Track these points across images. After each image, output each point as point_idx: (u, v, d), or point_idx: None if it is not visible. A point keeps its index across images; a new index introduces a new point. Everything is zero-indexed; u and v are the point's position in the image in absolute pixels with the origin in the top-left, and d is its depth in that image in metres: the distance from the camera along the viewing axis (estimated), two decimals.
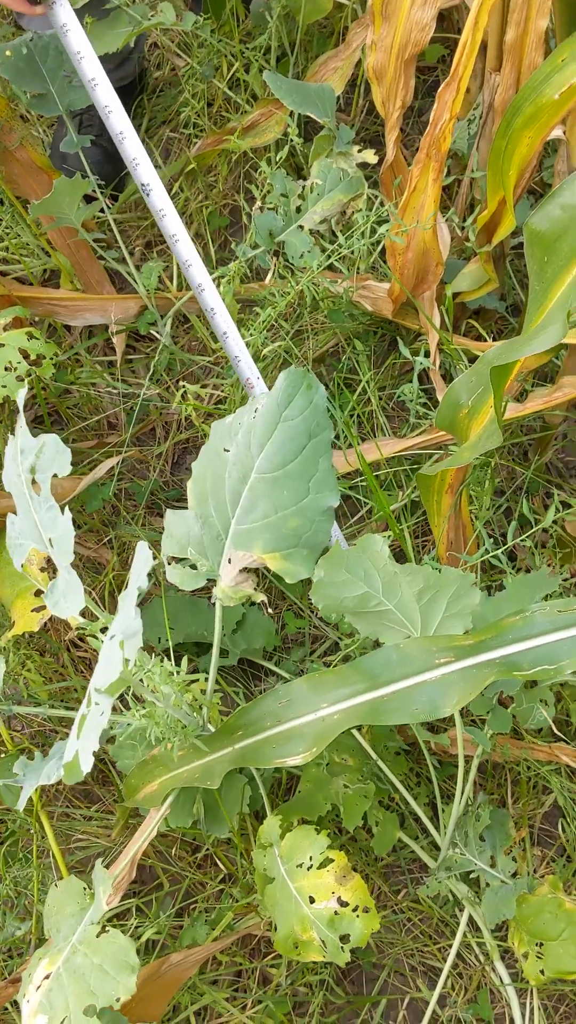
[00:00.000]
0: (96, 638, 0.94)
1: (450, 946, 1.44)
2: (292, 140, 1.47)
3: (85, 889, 1.03)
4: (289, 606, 1.67)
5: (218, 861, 1.41)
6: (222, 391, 1.71)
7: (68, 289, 1.80)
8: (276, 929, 1.12)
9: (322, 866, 1.11)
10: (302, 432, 0.91)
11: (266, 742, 1.10)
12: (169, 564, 1.02)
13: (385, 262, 1.79)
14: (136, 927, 1.40)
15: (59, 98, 1.53)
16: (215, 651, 1.12)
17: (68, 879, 1.04)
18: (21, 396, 0.92)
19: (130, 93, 2.07)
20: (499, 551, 1.18)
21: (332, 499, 0.93)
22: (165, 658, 1.04)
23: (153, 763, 1.22)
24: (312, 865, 1.11)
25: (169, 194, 1.96)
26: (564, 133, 1.30)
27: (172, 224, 1.30)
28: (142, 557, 0.79)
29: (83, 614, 0.97)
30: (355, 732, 1.47)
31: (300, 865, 1.12)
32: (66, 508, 0.88)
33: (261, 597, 1.00)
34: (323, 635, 1.64)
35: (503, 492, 1.70)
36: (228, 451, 0.95)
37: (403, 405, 1.79)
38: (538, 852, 1.53)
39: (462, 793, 1.34)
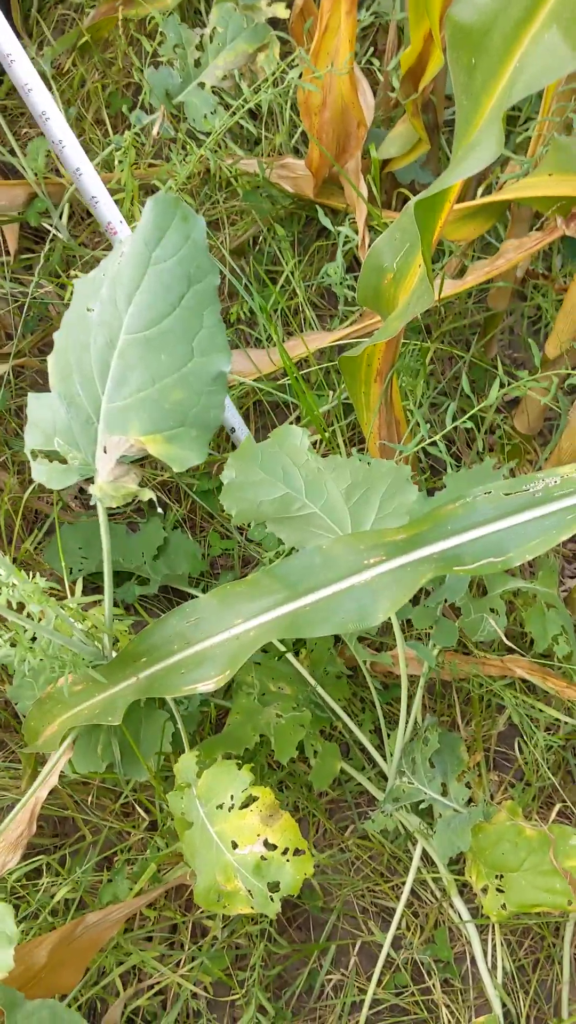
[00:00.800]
0: None
1: (403, 884, 1.31)
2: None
3: None
4: (215, 526, 1.50)
5: (139, 808, 1.26)
6: None
7: None
8: (196, 880, 0.97)
9: (245, 805, 0.96)
10: (179, 277, 0.73)
11: (174, 668, 0.94)
12: (35, 459, 0.84)
13: (304, 135, 1.60)
14: (50, 885, 1.25)
15: None
16: (107, 567, 0.95)
17: None
18: None
19: None
20: (436, 438, 1.01)
21: (222, 362, 0.76)
22: (40, 577, 0.87)
23: (50, 701, 1.06)
24: (234, 805, 0.96)
25: (60, 73, 1.75)
26: None
27: (40, 100, 1.10)
28: None
29: None
30: (292, 658, 1.32)
31: (220, 806, 0.97)
32: None
33: (150, 495, 0.83)
34: (254, 557, 1.48)
35: (444, 393, 1.54)
36: (91, 311, 0.77)
37: (333, 297, 1.61)
38: (495, 777, 1.40)
39: (408, 716, 1.19)
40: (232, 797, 0.97)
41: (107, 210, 1.11)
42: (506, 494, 0.85)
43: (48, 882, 1.23)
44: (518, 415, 1.44)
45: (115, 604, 1.46)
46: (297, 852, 0.95)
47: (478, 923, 1.26)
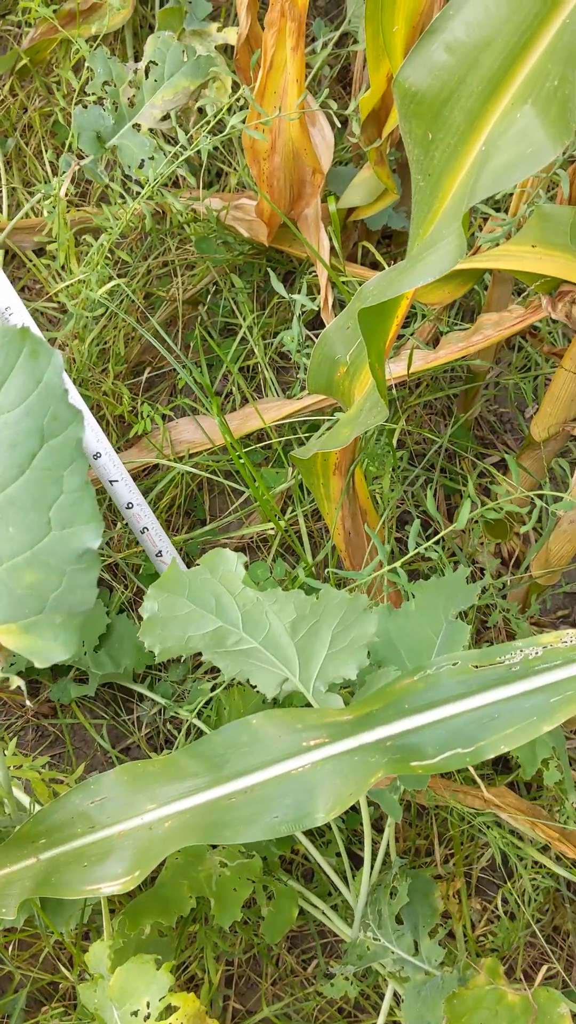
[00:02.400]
0: None
1: None
2: (114, 2, 1.09)
3: None
4: None
5: (64, 966, 1.10)
6: (64, 352, 1.35)
7: None
8: None
9: (163, 1017, 0.80)
10: (28, 431, 0.56)
11: (76, 856, 0.78)
12: None
13: None
14: None
15: None
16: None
17: None
18: None
19: None
20: (398, 563, 0.85)
21: (90, 536, 0.59)
22: None
23: None
24: (150, 1015, 0.80)
25: None
26: None
27: None
28: None
29: None
30: None
31: (135, 1013, 0.81)
32: None
33: (18, 683, 0.66)
34: None
35: (422, 455, 1.37)
36: None
37: (284, 362, 1.44)
38: (478, 905, 1.24)
39: (371, 866, 1.03)
40: (148, 1004, 0.80)
41: None
42: (476, 666, 0.68)
43: None
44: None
45: (50, 701, 1.30)
46: None
47: None
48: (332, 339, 0.85)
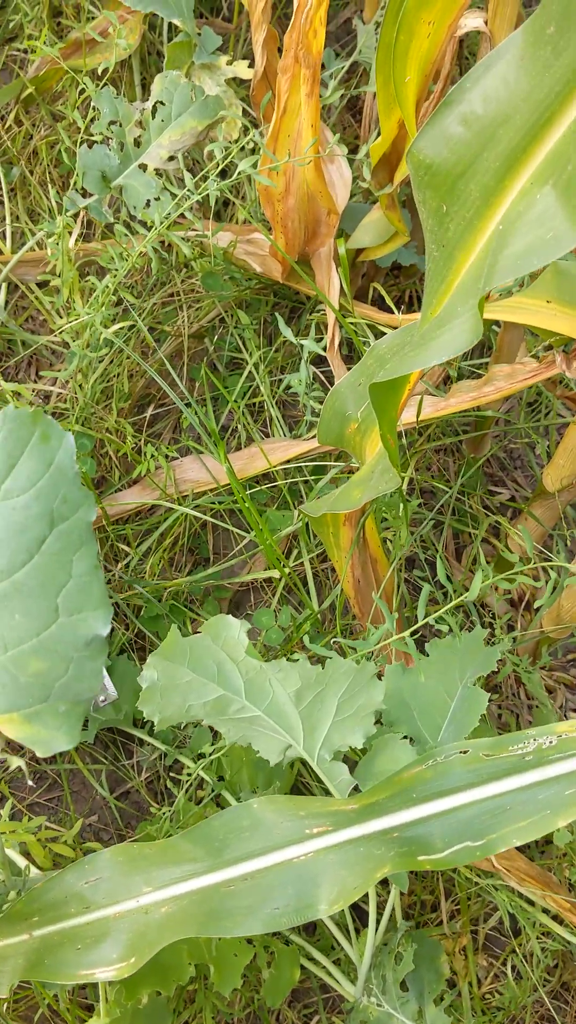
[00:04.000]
0: None
1: None
2: (119, 44, 1.07)
3: None
4: None
5: None
6: (63, 387, 1.33)
7: None
8: None
9: None
10: (37, 515, 0.54)
11: (70, 937, 0.75)
12: None
13: None
14: None
15: None
16: None
17: None
18: None
19: None
20: (405, 633, 0.82)
21: (98, 624, 0.57)
22: None
23: None
24: None
25: (3, 128, 1.55)
26: (485, 23, 0.91)
27: None
28: None
29: None
30: None
31: None
32: None
33: (19, 763, 0.64)
34: None
35: (433, 495, 1.35)
36: None
37: (291, 400, 1.41)
38: (484, 962, 1.21)
39: (376, 928, 1.00)
40: None
41: None
42: (487, 755, 0.66)
43: None
44: (512, 540, 1.24)
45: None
46: None
47: None
48: (343, 395, 0.82)
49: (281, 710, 0.83)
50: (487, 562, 1.32)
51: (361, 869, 0.65)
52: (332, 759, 0.84)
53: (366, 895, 1.18)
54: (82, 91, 1.54)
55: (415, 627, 0.80)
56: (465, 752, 0.66)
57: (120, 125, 1.07)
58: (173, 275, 1.40)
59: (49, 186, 1.49)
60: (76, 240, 1.29)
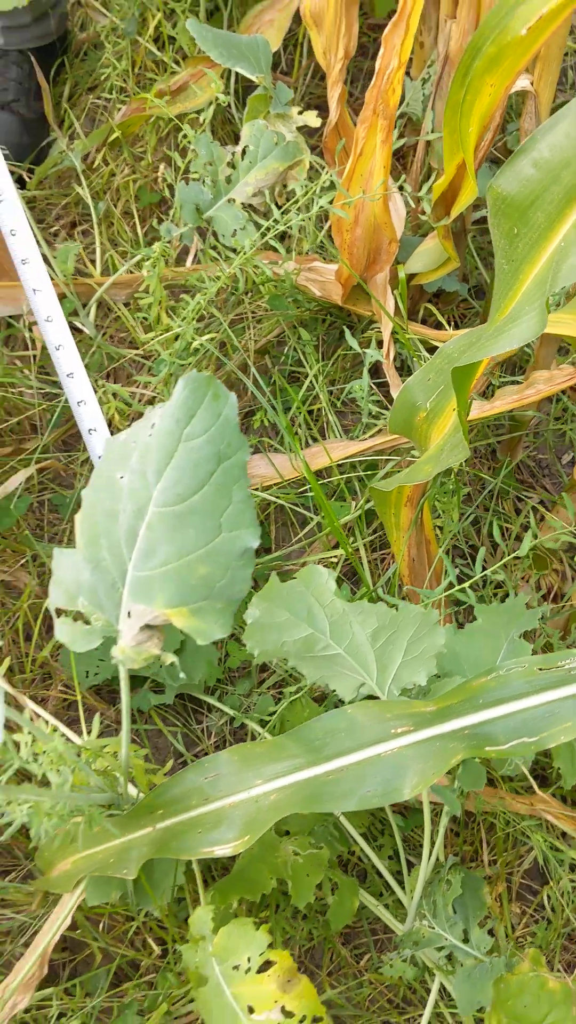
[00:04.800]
0: None
1: (419, 1016, 1.27)
2: (218, 98, 1.26)
3: None
4: (233, 635, 1.47)
5: (152, 940, 1.22)
6: (153, 391, 1.51)
7: None
8: None
9: (262, 970, 0.92)
10: (209, 455, 0.71)
11: (191, 824, 0.91)
12: (58, 616, 0.82)
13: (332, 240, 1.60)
14: (58, 1016, 1.20)
15: None
16: (125, 721, 0.92)
17: None
18: None
19: (50, 55, 1.85)
20: (466, 584, 0.99)
21: (251, 539, 0.74)
22: (61, 727, 0.85)
23: (66, 836, 1.03)
24: (251, 968, 0.93)
25: (91, 167, 1.75)
26: (532, 84, 1.10)
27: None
28: None
29: None
30: None
31: (237, 967, 0.93)
32: None
33: (171, 659, 0.80)
34: (271, 666, 1.45)
35: (469, 496, 1.51)
36: (123, 478, 0.75)
37: (356, 401, 1.59)
38: (517, 909, 1.35)
39: (429, 855, 1.16)
40: (249, 959, 0.93)
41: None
42: (540, 668, 0.82)
43: (57, 1010, 1.19)
44: (544, 528, 1.41)
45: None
46: (316, 1019, 0.91)
47: None
48: (413, 389, 0.99)
49: (359, 649, 0.99)
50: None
51: (437, 759, 0.81)
52: (400, 695, 1.00)
53: (410, 847, 1.33)
54: (163, 136, 1.74)
55: (474, 579, 0.97)
56: (522, 667, 0.82)
57: (213, 165, 1.25)
58: (243, 297, 1.58)
59: (137, 220, 1.69)
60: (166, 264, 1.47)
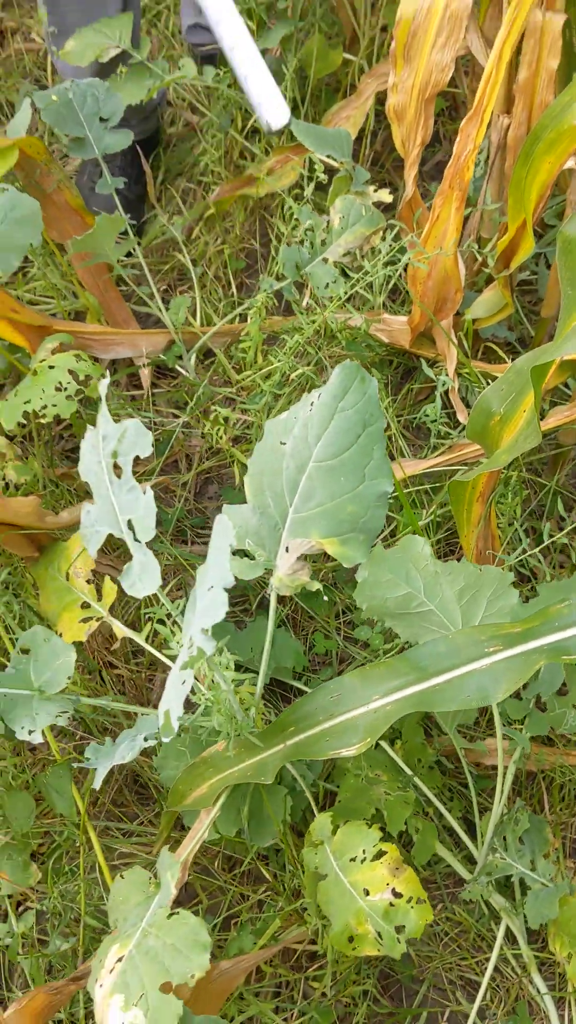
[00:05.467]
0: (164, 623, 0.97)
1: (488, 959, 1.45)
2: (318, 176, 1.55)
3: (150, 879, 1.05)
4: (316, 628, 1.70)
5: (263, 871, 1.43)
6: (248, 416, 1.77)
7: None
8: (329, 925, 1.13)
9: (375, 858, 1.13)
10: (357, 422, 0.96)
11: (319, 736, 1.13)
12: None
13: (398, 300, 1.88)
14: None
15: (95, 143, 1.62)
16: (267, 646, 1.15)
17: (132, 870, 1.06)
18: (103, 386, 0.98)
19: (151, 145, 2.17)
20: (536, 550, 1.23)
21: (387, 485, 0.99)
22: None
23: (203, 765, 1.25)
24: (365, 858, 1.14)
25: (189, 238, 2.05)
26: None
27: None
28: (222, 524, 0.83)
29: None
30: (387, 748, 1.50)
31: (353, 859, 1.14)
32: (148, 487, 0.93)
33: (317, 585, 1.04)
34: (350, 656, 1.67)
35: (527, 500, 1.75)
36: (284, 444, 1.01)
37: (419, 432, 1.85)
38: (571, 864, 1.54)
39: (502, 794, 1.36)
40: (364, 851, 1.14)
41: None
42: None
43: None
44: None
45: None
46: (419, 901, 1.12)
47: (555, 995, 1.39)
48: (489, 397, 1.24)
49: (447, 605, 1.22)
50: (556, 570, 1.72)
51: (523, 668, 1.03)
52: None
53: (486, 805, 1.53)
54: (250, 212, 2.04)
55: (542, 546, 1.21)
56: None
57: (312, 230, 1.54)
58: (322, 344, 1.86)
59: (229, 280, 1.98)
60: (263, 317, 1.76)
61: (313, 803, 1.31)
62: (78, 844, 1.41)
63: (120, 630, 1.35)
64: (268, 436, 1.04)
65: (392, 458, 1.80)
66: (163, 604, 1.01)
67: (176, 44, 2.42)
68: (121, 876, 1.06)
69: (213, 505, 1.85)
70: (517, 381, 1.20)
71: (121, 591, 1.31)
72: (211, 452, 1.86)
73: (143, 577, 0.96)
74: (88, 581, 1.38)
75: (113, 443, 0.94)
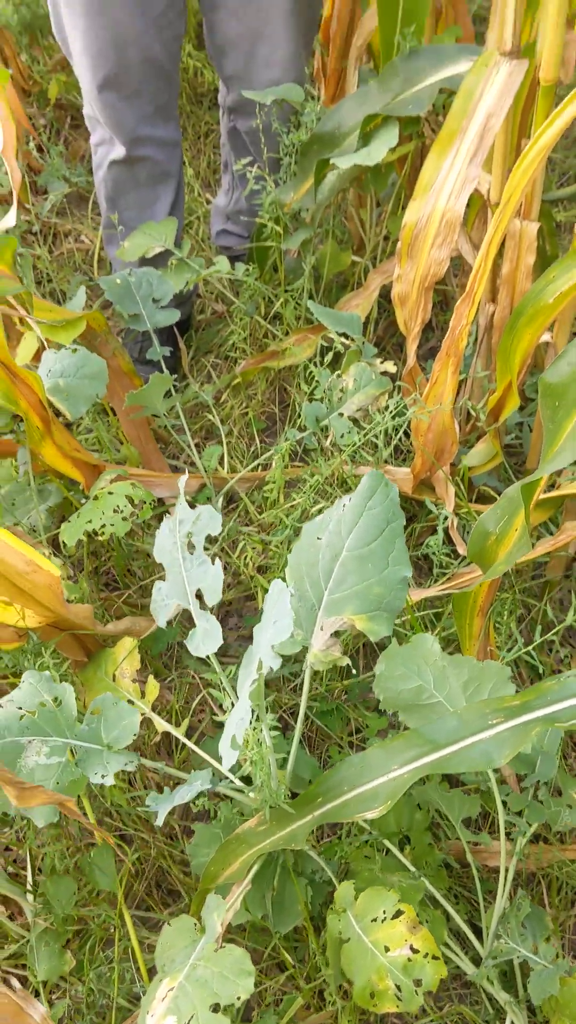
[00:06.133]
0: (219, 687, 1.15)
1: None
2: (336, 347, 1.85)
3: (195, 924, 1.17)
4: (331, 744, 1.86)
5: (285, 956, 1.52)
6: (272, 548, 1.99)
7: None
8: (354, 982, 1.24)
9: (394, 918, 1.26)
10: (382, 519, 1.19)
11: (345, 804, 1.28)
12: None
13: (399, 458, 2.16)
14: None
15: (148, 318, 1.93)
16: (301, 713, 1.32)
17: (179, 918, 1.18)
18: (182, 481, 1.21)
19: (185, 328, 2.52)
20: (530, 647, 1.42)
21: (407, 571, 1.20)
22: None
23: (236, 842, 1.38)
24: (385, 918, 1.26)
25: (217, 402, 2.35)
26: (552, 337, 1.68)
27: None
28: (279, 584, 1.03)
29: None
30: (397, 852, 1.62)
31: (374, 920, 1.27)
32: (216, 558, 1.13)
33: (345, 660, 1.23)
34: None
35: (520, 619, 1.95)
36: (320, 539, 1.23)
37: (422, 570, 2.07)
38: (574, 963, 1.64)
39: (505, 884, 1.49)
40: (384, 912, 1.26)
41: None
42: None
43: None
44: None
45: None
46: (435, 957, 1.23)
47: None
48: (486, 520, 1.47)
49: (454, 696, 1.40)
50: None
51: (520, 737, 1.21)
52: None
53: (478, 910, 1.64)
54: (271, 380, 2.35)
55: (534, 644, 1.40)
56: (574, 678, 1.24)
57: (330, 390, 1.82)
58: (336, 492, 2.11)
59: (255, 436, 2.25)
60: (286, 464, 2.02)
61: (334, 878, 1.43)
62: (112, 930, 1.51)
63: (160, 725, 1.51)
64: (305, 535, 1.26)
65: None
66: (215, 670, 1.19)
67: (205, 247, 2.82)
68: (168, 924, 1.18)
69: (234, 635, 2.04)
70: (509, 505, 1.44)
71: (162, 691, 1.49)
72: (230, 585, 2.07)
73: (206, 640, 1.15)
74: (133, 680, 1.55)
75: (188, 525, 1.15)
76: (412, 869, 1.59)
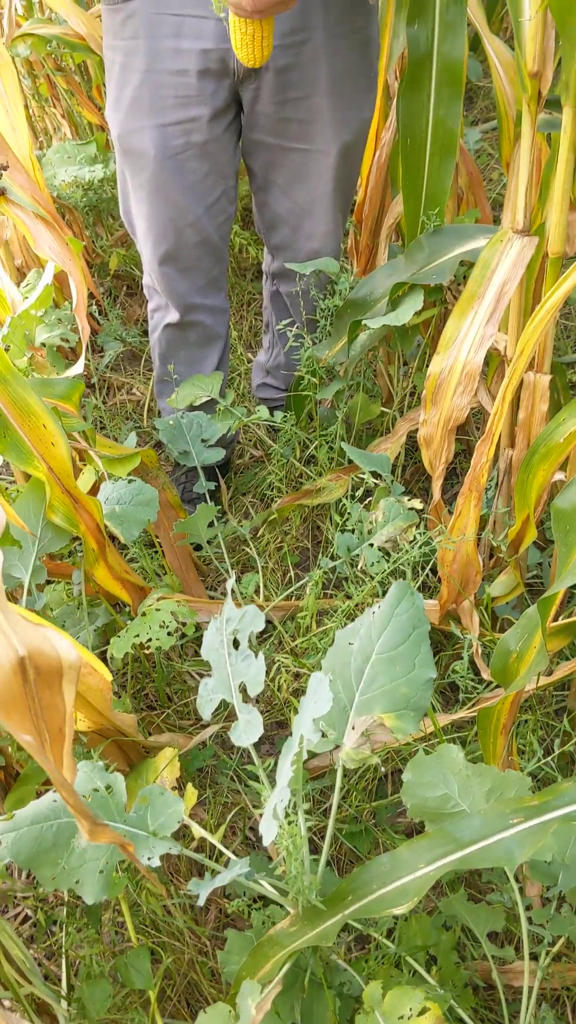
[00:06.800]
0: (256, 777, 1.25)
1: None
2: (367, 483, 2.02)
3: (230, 1012, 1.22)
4: (359, 865, 1.91)
5: None
6: (305, 673, 2.10)
7: None
8: None
9: (420, 1014, 1.29)
10: (408, 624, 1.31)
11: (374, 901, 1.34)
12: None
13: (425, 592, 2.29)
14: None
15: (197, 456, 2.12)
16: (334, 807, 1.40)
17: (214, 1006, 1.23)
18: (230, 583, 1.34)
19: (224, 470, 2.72)
20: (549, 758, 1.50)
21: (432, 672, 1.31)
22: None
23: (268, 944, 1.43)
24: (412, 1015, 1.30)
25: (255, 537, 2.51)
26: (565, 476, 1.84)
27: None
28: (319, 675, 1.15)
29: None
30: (424, 973, 1.65)
31: (401, 1017, 1.30)
32: (260, 653, 1.25)
33: (376, 760, 1.32)
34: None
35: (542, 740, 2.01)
36: (352, 644, 1.35)
37: (444, 693, 2.16)
38: None
39: (529, 997, 1.51)
40: (411, 1009, 1.30)
41: None
42: None
43: None
44: None
45: None
46: None
47: None
48: (508, 639, 1.59)
49: (477, 805, 1.48)
50: None
51: (541, 833, 1.28)
52: None
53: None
54: (305, 516, 2.52)
55: (545, 759, 1.49)
56: None
57: (362, 522, 1.98)
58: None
59: (289, 568, 2.40)
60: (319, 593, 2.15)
61: (363, 984, 1.46)
62: None
63: (197, 831, 1.59)
64: (338, 641, 1.38)
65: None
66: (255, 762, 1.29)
67: (247, 400, 3.06)
68: (204, 1012, 1.24)
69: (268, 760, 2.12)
70: (529, 624, 1.56)
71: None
72: (264, 711, 2.16)
73: (248, 730, 1.25)
74: (172, 788, 1.64)
75: (235, 623, 1.28)
76: (439, 989, 1.61)
